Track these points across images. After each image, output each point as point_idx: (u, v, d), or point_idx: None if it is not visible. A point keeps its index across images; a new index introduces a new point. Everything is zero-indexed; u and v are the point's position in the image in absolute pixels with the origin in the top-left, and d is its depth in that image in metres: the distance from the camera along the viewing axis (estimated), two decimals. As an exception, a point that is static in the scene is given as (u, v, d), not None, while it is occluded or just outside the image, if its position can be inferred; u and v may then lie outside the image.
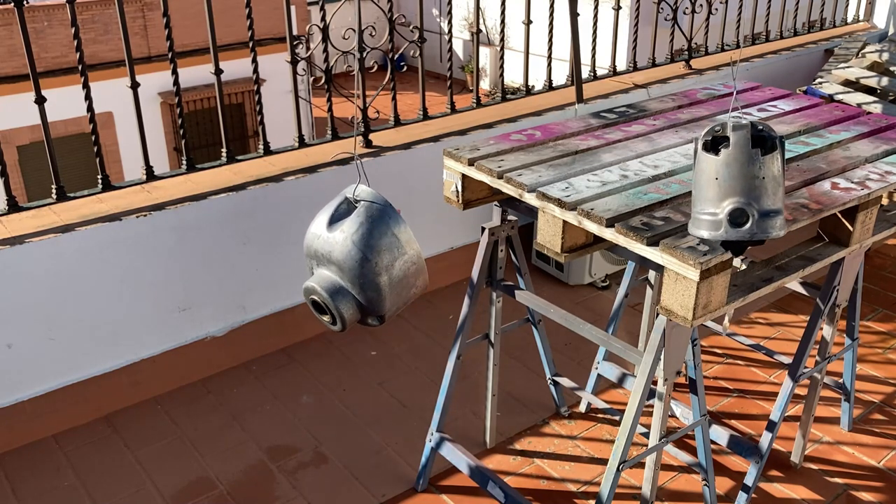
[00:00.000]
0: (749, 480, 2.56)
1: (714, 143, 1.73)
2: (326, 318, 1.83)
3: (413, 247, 1.81)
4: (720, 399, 3.10)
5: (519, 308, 2.64)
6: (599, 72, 4.33)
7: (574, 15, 3.69)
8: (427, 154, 3.48)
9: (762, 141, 1.70)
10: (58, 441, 2.88)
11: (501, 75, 3.93)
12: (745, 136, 1.68)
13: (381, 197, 1.84)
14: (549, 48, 4.02)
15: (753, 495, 2.63)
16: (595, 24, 4.12)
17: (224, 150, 3.18)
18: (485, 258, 2.47)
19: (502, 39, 3.83)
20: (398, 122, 3.63)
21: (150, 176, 3.07)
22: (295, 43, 3.21)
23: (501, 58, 3.88)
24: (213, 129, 11.21)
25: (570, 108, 3.93)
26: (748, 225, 1.69)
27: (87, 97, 2.82)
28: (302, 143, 3.39)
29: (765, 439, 2.54)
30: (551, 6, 3.95)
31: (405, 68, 15.65)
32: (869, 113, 2.69)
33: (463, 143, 2.46)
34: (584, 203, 1.98)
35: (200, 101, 11.50)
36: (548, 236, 2.05)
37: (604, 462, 2.74)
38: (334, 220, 1.82)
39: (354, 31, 3.25)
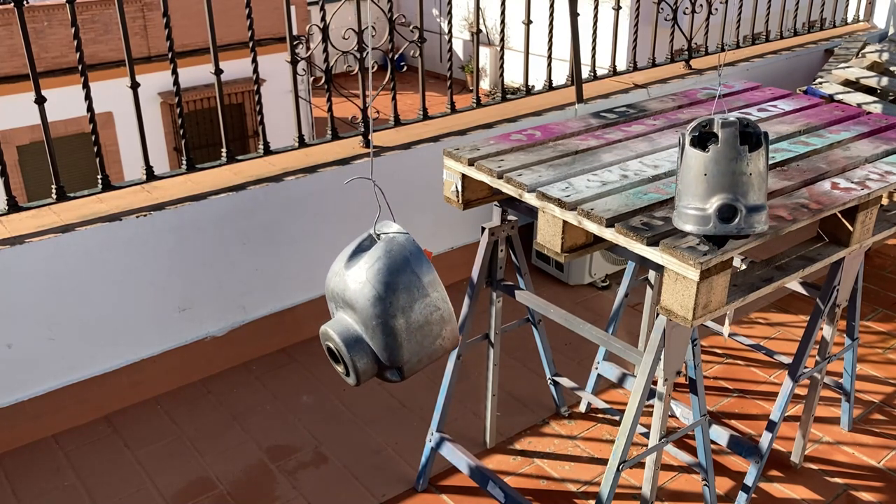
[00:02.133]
0: (749, 480, 2.56)
1: (701, 139, 1.74)
2: (340, 369, 1.68)
3: (437, 290, 1.60)
4: (720, 399, 3.10)
5: (519, 308, 2.64)
6: (599, 72, 4.33)
7: (574, 15, 3.69)
8: (427, 154, 3.48)
9: (748, 137, 1.72)
10: (58, 441, 2.88)
11: (501, 75, 3.93)
12: (733, 133, 1.70)
13: (405, 233, 1.65)
14: (549, 48, 4.02)
15: (753, 495, 2.63)
16: (595, 24, 4.12)
17: (224, 150, 3.18)
18: (485, 258, 2.47)
19: (502, 39, 3.83)
20: (398, 122, 3.63)
21: (150, 176, 3.07)
22: (295, 43, 3.20)
23: (501, 58, 3.88)
24: (213, 129, 11.21)
25: (570, 108, 3.93)
26: (736, 220, 1.71)
27: (87, 97, 2.82)
28: (302, 143, 3.39)
29: (765, 439, 2.54)
30: (551, 6, 3.95)
31: (405, 68, 15.64)
32: (869, 113, 2.69)
33: (463, 143, 2.46)
34: (584, 203, 1.98)
35: (200, 101, 11.50)
36: (548, 236, 2.05)
37: (604, 462, 2.74)
38: (353, 256, 1.66)
39: (354, 31, 3.25)
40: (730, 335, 3.15)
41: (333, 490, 2.67)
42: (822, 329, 2.56)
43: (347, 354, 1.64)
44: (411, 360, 1.63)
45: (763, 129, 2.47)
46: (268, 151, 3.31)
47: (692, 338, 2.15)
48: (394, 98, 3.52)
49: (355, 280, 1.63)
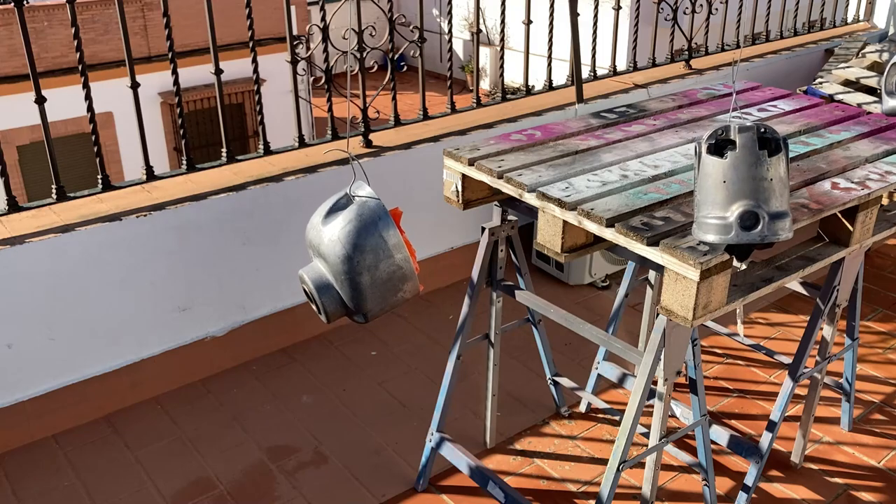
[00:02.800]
0: (749, 480, 2.56)
1: (717, 146, 1.71)
2: (314, 307, 1.87)
3: (401, 252, 1.79)
4: (720, 399, 3.10)
5: (519, 308, 2.64)
6: (599, 72, 4.33)
7: (574, 15, 3.69)
8: (427, 154, 3.48)
9: (766, 142, 1.68)
10: (58, 441, 2.88)
11: (501, 75, 3.93)
12: (751, 137, 1.66)
13: (377, 198, 1.85)
14: (549, 48, 4.02)
15: (753, 495, 2.63)
16: (595, 24, 4.12)
17: (224, 150, 3.18)
18: (485, 258, 2.47)
19: (502, 39, 3.83)
20: (398, 122, 3.63)
21: (150, 176, 3.07)
22: (295, 43, 3.20)
23: (501, 58, 3.88)
24: (213, 129, 11.21)
25: (570, 108, 3.93)
26: (759, 227, 1.65)
27: (87, 97, 2.82)
28: (302, 143, 3.39)
29: (765, 439, 2.54)
30: (551, 6, 3.95)
31: (405, 68, 15.65)
32: (869, 113, 2.69)
33: (463, 143, 2.46)
34: (584, 203, 1.98)
35: (200, 101, 11.50)
36: (548, 236, 2.05)
37: (604, 462, 2.74)
38: (330, 213, 1.83)
39: (354, 31, 3.25)
40: (729, 335, 3.15)
41: (333, 490, 2.67)
42: (822, 329, 2.56)
43: (318, 298, 1.84)
44: (374, 308, 1.83)
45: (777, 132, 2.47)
46: (268, 151, 3.31)
47: (692, 338, 2.15)
48: (394, 98, 3.52)
49: (329, 237, 1.86)
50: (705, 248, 1.78)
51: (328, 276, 1.82)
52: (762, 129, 1.69)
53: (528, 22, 3.81)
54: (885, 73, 2.60)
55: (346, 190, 1.87)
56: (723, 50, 4.88)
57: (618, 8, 4.14)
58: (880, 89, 2.59)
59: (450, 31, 3.61)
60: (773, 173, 1.66)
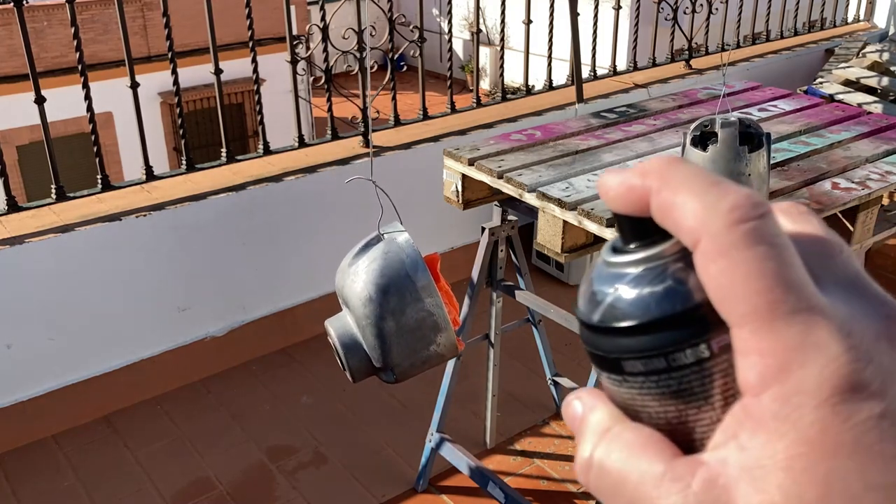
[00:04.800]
0: (749, 480, 2.55)
1: (702, 139, 1.73)
2: (339, 364, 1.71)
3: (432, 296, 1.57)
4: (720, 399, 3.10)
5: (519, 308, 2.64)
6: (599, 72, 4.33)
7: (574, 15, 3.69)
8: (427, 154, 3.47)
9: (749, 138, 1.70)
10: (58, 441, 2.88)
11: (501, 75, 3.93)
12: (732, 133, 1.68)
13: (406, 235, 1.63)
14: (549, 48, 4.01)
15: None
16: (595, 23, 4.12)
17: (224, 149, 3.18)
18: (485, 258, 2.46)
19: (502, 39, 3.83)
20: (398, 122, 3.63)
21: (150, 176, 3.07)
22: (295, 43, 3.20)
23: (501, 58, 3.87)
24: (213, 129, 11.20)
25: (570, 107, 3.93)
26: None
27: (87, 97, 2.82)
28: (302, 143, 3.38)
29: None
30: (551, 6, 3.95)
31: (405, 68, 15.65)
32: (869, 113, 2.69)
33: (463, 143, 2.46)
34: (584, 203, 1.98)
35: (200, 101, 11.50)
36: (548, 236, 2.05)
37: (604, 462, 2.74)
38: (358, 253, 1.65)
39: (354, 31, 3.25)
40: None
41: (333, 490, 2.67)
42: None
43: (341, 352, 1.65)
44: (402, 363, 1.62)
45: (764, 129, 2.47)
46: (268, 151, 3.31)
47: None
48: (394, 98, 3.52)
49: (353, 279, 1.65)
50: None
51: (353, 325, 1.60)
52: (747, 125, 1.71)
53: (528, 22, 3.81)
54: None
55: (377, 230, 1.69)
56: (723, 50, 4.88)
57: (618, 8, 4.14)
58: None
59: (450, 31, 3.61)
60: (752, 169, 1.69)
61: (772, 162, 2.24)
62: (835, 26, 5.47)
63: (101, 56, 10.43)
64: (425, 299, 1.59)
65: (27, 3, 2.62)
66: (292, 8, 3.57)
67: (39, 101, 2.71)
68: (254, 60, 3.12)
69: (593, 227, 1.95)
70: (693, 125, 1.76)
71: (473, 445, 2.82)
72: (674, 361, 0.32)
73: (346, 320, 1.67)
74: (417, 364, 1.64)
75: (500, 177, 2.17)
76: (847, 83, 4.08)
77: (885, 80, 3.99)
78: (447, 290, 1.74)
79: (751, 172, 1.69)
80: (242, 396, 3.11)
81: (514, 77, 4.49)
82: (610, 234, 1.92)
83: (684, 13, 4.44)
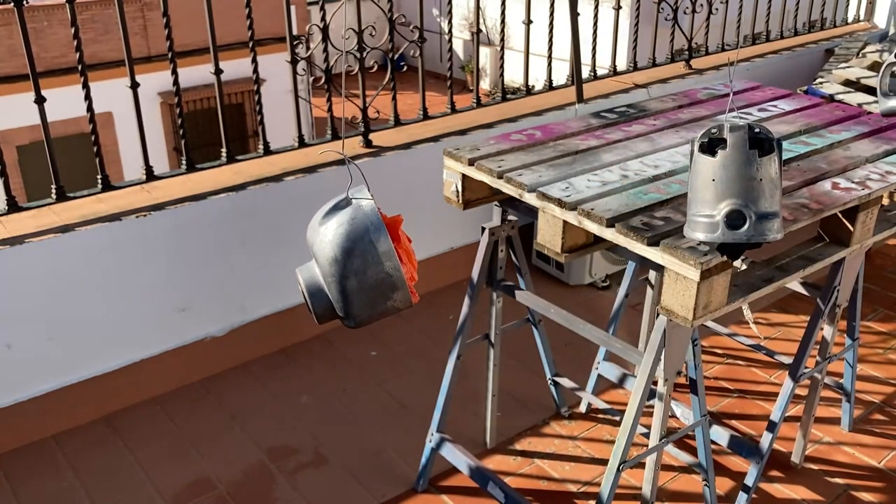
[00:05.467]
0: (749, 481, 2.56)
1: (710, 145, 1.72)
2: (307, 307, 1.89)
3: (391, 259, 1.76)
4: (720, 399, 3.10)
5: (519, 308, 2.64)
6: (599, 72, 4.33)
7: (574, 15, 3.69)
8: (427, 154, 3.47)
9: (759, 142, 1.68)
10: (58, 441, 2.88)
11: (501, 75, 3.93)
12: (742, 137, 1.66)
13: (372, 203, 1.83)
14: (549, 48, 4.01)
15: (754, 495, 2.63)
16: (595, 23, 4.12)
17: (224, 150, 3.18)
18: (485, 258, 2.46)
19: (502, 39, 3.83)
20: (398, 122, 3.63)
21: (150, 176, 3.07)
22: (295, 43, 3.20)
23: (501, 58, 3.87)
24: (213, 129, 11.17)
25: (570, 107, 3.93)
26: (745, 227, 1.65)
27: (87, 97, 2.82)
28: (302, 143, 3.38)
29: (765, 439, 2.54)
30: (551, 6, 3.95)
31: (405, 68, 15.64)
32: (869, 113, 2.68)
33: (463, 143, 2.46)
34: (584, 203, 1.98)
35: (200, 101, 11.49)
36: (548, 236, 2.05)
37: (604, 462, 2.74)
38: (328, 214, 1.83)
39: (354, 31, 3.25)
40: (729, 335, 3.15)
41: (333, 490, 2.67)
42: (822, 329, 2.56)
43: (308, 299, 1.83)
44: (361, 314, 1.81)
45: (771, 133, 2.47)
46: (268, 151, 3.31)
47: (693, 338, 2.15)
48: (394, 98, 3.52)
49: (322, 238, 1.88)
50: (706, 249, 1.78)
51: (320, 278, 1.79)
52: (756, 129, 1.69)
53: (528, 22, 3.81)
54: (881, 74, 2.60)
55: (346, 194, 1.87)
56: (723, 50, 4.88)
57: (618, 8, 4.14)
58: (877, 89, 2.60)
59: (450, 31, 3.61)
60: (763, 173, 1.66)
61: (772, 162, 2.24)
62: (835, 26, 5.47)
63: (101, 56, 10.42)
64: (385, 263, 1.76)
65: (27, 3, 2.62)
66: (292, 8, 3.57)
67: (39, 101, 2.71)
68: (254, 60, 3.12)
69: (593, 227, 1.95)
70: (701, 132, 1.74)
71: (473, 445, 2.82)
72: None
73: (314, 271, 1.91)
74: (375, 315, 1.84)
75: (500, 177, 2.17)
76: (847, 83, 4.08)
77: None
78: (407, 247, 1.94)
79: (762, 177, 1.66)
80: (242, 396, 3.11)
81: (514, 77, 4.49)
82: (610, 234, 1.92)
83: (684, 13, 4.44)
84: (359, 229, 1.74)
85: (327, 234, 1.76)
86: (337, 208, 1.85)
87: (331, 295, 1.77)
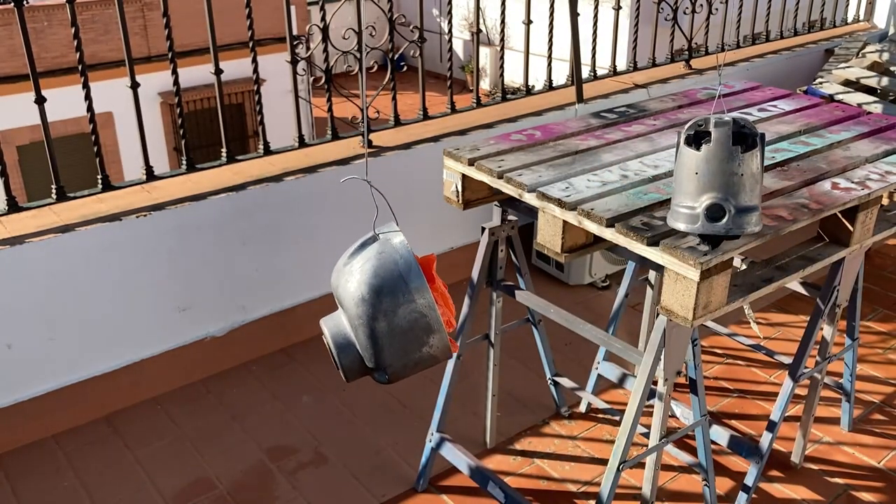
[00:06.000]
0: (749, 480, 2.56)
1: (697, 138, 1.74)
2: (333, 363, 1.70)
3: (424, 297, 1.55)
4: (720, 399, 3.10)
5: (519, 308, 2.64)
6: (599, 72, 4.33)
7: (574, 15, 3.69)
8: (427, 154, 3.47)
9: (743, 138, 1.71)
10: (58, 441, 2.88)
11: (501, 75, 3.93)
12: (726, 132, 1.69)
13: (401, 235, 1.63)
14: (549, 48, 4.02)
15: (754, 495, 2.63)
16: (595, 24, 4.12)
17: (224, 150, 3.18)
18: (485, 258, 2.46)
19: (502, 39, 3.83)
20: (398, 122, 3.63)
21: (150, 176, 3.07)
22: (295, 43, 3.20)
23: (501, 58, 3.87)
24: (213, 129, 11.18)
25: (570, 108, 3.93)
26: (724, 220, 1.70)
27: (87, 97, 2.82)
28: (302, 143, 3.38)
29: (765, 439, 2.54)
30: (551, 6, 3.95)
31: (405, 68, 15.64)
32: (869, 113, 2.69)
33: (463, 143, 2.46)
34: (584, 203, 1.98)
35: (200, 101, 11.49)
36: (548, 236, 2.05)
37: (604, 462, 2.74)
38: (354, 253, 1.64)
39: (354, 31, 3.25)
40: (729, 335, 3.15)
41: (333, 490, 2.67)
42: (822, 329, 2.56)
43: (335, 351, 1.65)
44: (394, 363, 1.61)
45: (763, 129, 2.47)
46: (268, 151, 3.31)
47: (692, 338, 2.15)
48: (394, 98, 3.52)
49: (347, 279, 1.64)
50: (706, 248, 1.78)
51: (346, 325, 1.59)
52: (741, 125, 1.71)
53: (528, 22, 3.81)
54: None
55: (373, 231, 1.68)
56: (723, 50, 4.88)
57: (618, 8, 4.14)
58: None
59: (450, 31, 3.61)
60: (745, 169, 1.70)
61: (772, 162, 2.24)
62: (835, 26, 5.47)
63: (101, 56, 10.43)
64: (418, 300, 1.56)
65: (27, 3, 2.62)
66: (292, 8, 3.57)
67: (40, 101, 2.71)
68: (254, 60, 3.12)
69: (593, 227, 1.95)
70: (688, 124, 1.76)
71: (473, 445, 2.82)
72: None
73: (340, 320, 1.66)
74: (410, 365, 1.62)
75: (500, 177, 2.17)
76: (847, 83, 4.08)
77: (885, 80, 3.99)
78: (443, 291, 1.73)
79: (743, 172, 1.70)
80: (242, 396, 3.11)
81: (514, 77, 4.49)
82: (610, 234, 1.92)
83: (684, 13, 4.45)
84: (387, 264, 1.55)
85: (353, 273, 1.56)
86: (363, 246, 1.64)
87: (359, 343, 1.56)
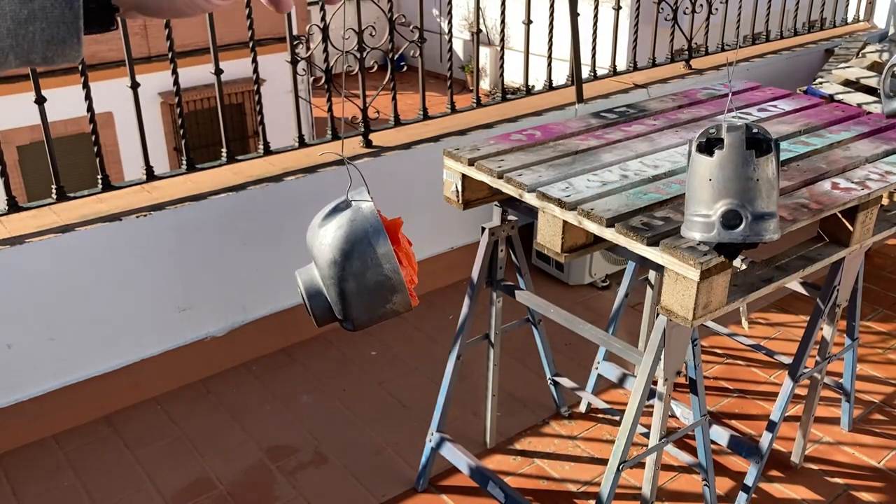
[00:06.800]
0: (749, 480, 2.56)
1: (708, 145, 1.72)
2: (306, 309, 1.89)
3: (390, 262, 1.74)
4: (720, 399, 3.10)
5: (519, 308, 2.64)
6: (599, 72, 4.33)
7: (574, 15, 3.69)
8: (427, 154, 3.48)
9: (757, 143, 1.69)
10: (58, 441, 2.88)
11: (501, 75, 3.93)
12: (739, 137, 1.66)
13: (371, 205, 1.84)
14: (549, 48, 4.01)
15: (753, 495, 2.63)
16: (595, 24, 4.12)
17: (224, 150, 3.18)
18: (485, 258, 2.46)
19: (502, 39, 3.83)
20: (398, 122, 3.63)
21: (150, 176, 3.07)
22: (295, 43, 3.20)
23: (501, 58, 3.87)
24: (213, 129, 11.18)
25: (570, 108, 3.93)
26: (741, 227, 1.66)
27: (87, 97, 2.82)
28: (302, 143, 3.38)
29: (765, 439, 2.54)
30: (551, 6, 3.95)
31: (405, 68, 15.64)
32: (869, 113, 2.69)
33: (463, 143, 2.46)
34: (584, 203, 1.98)
35: (200, 101, 11.49)
36: (548, 236, 2.05)
37: (604, 462, 2.74)
38: (328, 216, 1.84)
39: (354, 31, 3.25)
40: (729, 335, 3.15)
41: (333, 490, 2.67)
42: (822, 329, 2.56)
43: (307, 301, 1.82)
44: (360, 317, 1.80)
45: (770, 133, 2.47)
46: (268, 151, 3.31)
47: (692, 338, 2.15)
48: (394, 98, 3.52)
49: (321, 241, 1.88)
50: (705, 249, 1.78)
51: (319, 280, 1.83)
52: (753, 130, 1.69)
53: (528, 22, 3.81)
54: (883, 76, 2.60)
55: (346, 196, 1.88)
56: (723, 50, 4.88)
57: (618, 8, 4.14)
58: (880, 91, 2.60)
59: (450, 31, 3.61)
60: (760, 174, 1.66)
61: (772, 162, 2.24)
62: (835, 26, 5.47)
63: (101, 56, 10.43)
64: (384, 265, 1.75)
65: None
66: (292, 8, 3.57)
67: (40, 101, 2.71)
68: (254, 60, 3.12)
69: (593, 227, 1.95)
70: (699, 132, 1.74)
71: (473, 445, 2.82)
72: None
73: (313, 273, 1.90)
74: (375, 318, 1.82)
75: (500, 177, 2.17)
76: (847, 83, 4.08)
77: (885, 80, 3.99)
78: (407, 250, 1.93)
79: (759, 178, 1.66)
80: (242, 396, 3.11)
81: (514, 77, 4.49)
82: (610, 234, 1.92)
83: (684, 13, 4.45)
84: (358, 232, 1.73)
85: (326, 237, 1.76)
86: (336, 210, 1.85)
87: (329, 298, 1.77)
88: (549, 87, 4.09)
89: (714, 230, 1.68)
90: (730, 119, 1.73)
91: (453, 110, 3.80)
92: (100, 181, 2.97)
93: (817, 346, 2.61)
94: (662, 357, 2.05)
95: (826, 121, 2.58)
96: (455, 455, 2.59)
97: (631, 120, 2.60)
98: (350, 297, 1.72)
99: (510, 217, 2.45)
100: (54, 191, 2.87)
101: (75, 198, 2.93)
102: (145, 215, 2.88)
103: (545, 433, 2.92)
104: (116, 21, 0.71)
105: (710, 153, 1.69)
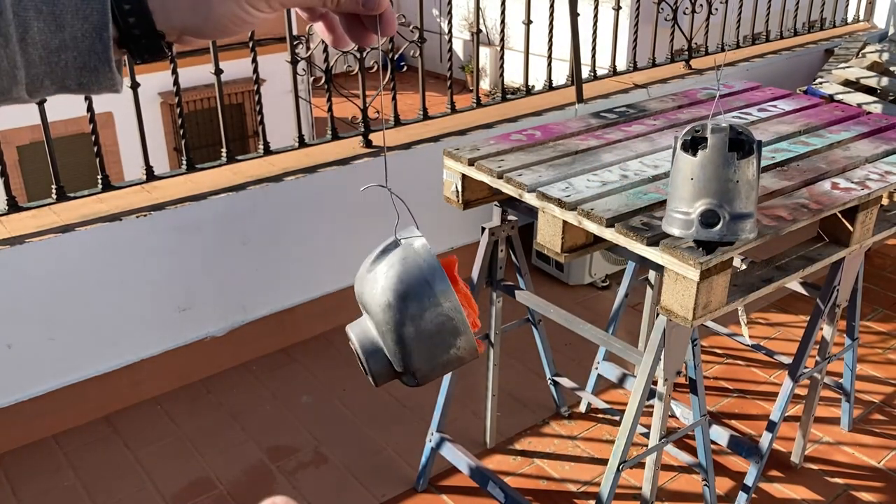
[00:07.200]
0: (749, 480, 2.56)
1: (693, 143, 1.74)
2: (361, 368, 1.77)
3: (450, 300, 1.65)
4: (720, 399, 3.10)
5: (519, 308, 2.64)
6: (599, 72, 4.33)
7: (574, 15, 3.69)
8: (427, 154, 3.47)
9: (740, 144, 1.71)
10: (58, 441, 2.88)
11: (501, 75, 3.93)
12: (722, 139, 1.69)
13: (423, 241, 1.72)
14: (549, 48, 4.01)
15: (753, 495, 2.63)
16: (595, 24, 4.12)
17: (224, 150, 3.18)
18: (485, 258, 2.46)
19: (502, 39, 3.83)
20: (398, 122, 3.63)
21: (150, 176, 3.07)
22: (295, 43, 3.20)
23: (501, 58, 3.87)
24: (213, 129, 11.17)
25: (570, 108, 3.93)
26: (719, 226, 1.71)
27: (87, 97, 2.82)
28: (302, 143, 3.38)
29: (765, 439, 2.54)
30: (551, 6, 3.95)
31: (405, 68, 15.63)
32: (869, 113, 2.69)
33: (463, 143, 2.46)
34: (584, 203, 1.98)
35: (200, 101, 11.48)
36: (548, 236, 2.05)
37: (604, 462, 2.74)
38: (376, 260, 1.73)
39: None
40: (729, 335, 3.15)
41: (333, 490, 2.67)
42: (822, 329, 2.56)
43: (363, 357, 1.71)
44: (423, 367, 1.66)
45: (763, 129, 2.47)
46: (268, 151, 3.31)
47: (692, 338, 2.15)
48: (394, 98, 3.52)
49: (371, 286, 1.67)
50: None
51: (374, 332, 1.70)
52: (738, 131, 1.71)
53: (528, 22, 3.81)
54: None
55: (394, 236, 1.78)
56: (723, 50, 4.88)
57: (618, 8, 4.14)
58: None
59: (450, 31, 3.61)
60: (741, 176, 1.70)
61: (772, 162, 2.24)
62: (835, 26, 5.47)
63: (101, 56, 10.40)
64: (444, 304, 1.60)
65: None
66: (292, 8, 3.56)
67: (40, 100, 2.71)
68: (254, 60, 3.12)
69: (593, 227, 1.95)
70: (684, 130, 1.76)
71: (473, 445, 2.82)
72: None
73: (366, 325, 1.69)
74: (438, 367, 1.68)
75: (499, 177, 2.17)
76: (847, 83, 4.08)
77: (885, 81, 3.99)
78: (466, 292, 1.77)
79: (739, 179, 1.70)
80: (242, 396, 3.11)
81: (514, 77, 4.49)
82: (610, 234, 1.92)
83: (684, 13, 4.44)
84: (411, 269, 1.61)
85: (377, 281, 1.62)
86: (385, 252, 1.72)
87: (387, 348, 1.65)
88: (549, 87, 4.09)
89: (693, 228, 1.73)
90: (716, 119, 1.74)
91: (453, 110, 3.80)
92: (100, 181, 2.97)
93: (817, 346, 2.61)
94: (662, 357, 2.05)
95: (826, 121, 2.58)
96: (455, 455, 2.59)
97: (631, 120, 2.60)
98: (409, 343, 1.58)
99: (510, 217, 2.45)
100: (54, 191, 2.87)
101: (75, 198, 2.93)
102: (145, 215, 2.88)
103: (545, 433, 2.92)
104: (166, 48, 0.68)
105: (694, 152, 1.71)
